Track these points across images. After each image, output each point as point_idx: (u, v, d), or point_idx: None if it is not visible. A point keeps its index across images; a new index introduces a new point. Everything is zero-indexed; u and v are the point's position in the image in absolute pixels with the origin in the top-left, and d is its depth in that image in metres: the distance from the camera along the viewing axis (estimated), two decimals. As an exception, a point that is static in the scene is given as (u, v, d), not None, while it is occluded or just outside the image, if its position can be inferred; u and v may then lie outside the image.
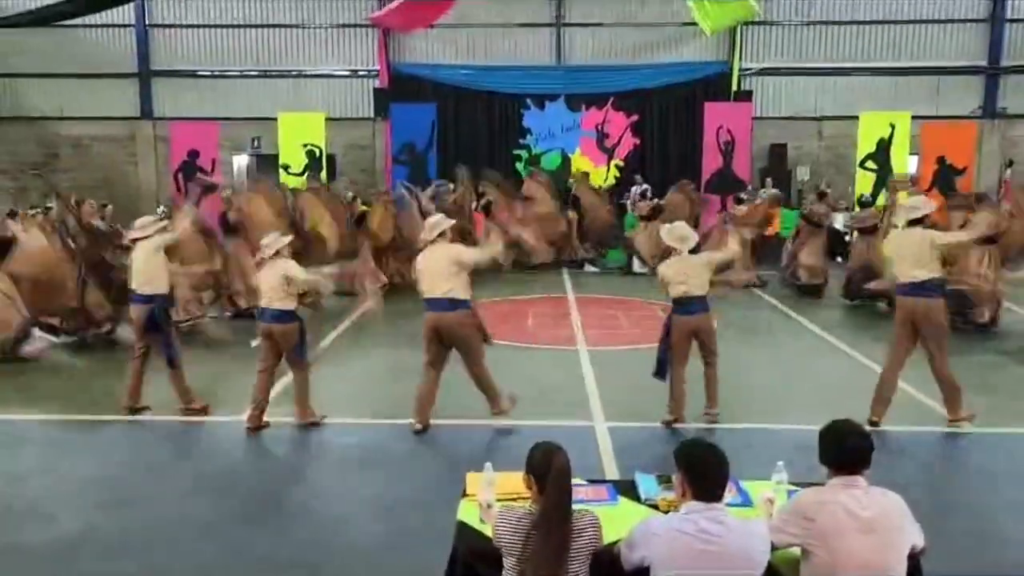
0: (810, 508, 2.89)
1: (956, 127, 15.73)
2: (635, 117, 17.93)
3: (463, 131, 18.11)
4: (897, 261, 6.17)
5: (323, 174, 16.03)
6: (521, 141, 18.21)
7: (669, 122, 17.85)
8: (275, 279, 6.11)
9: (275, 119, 16.35)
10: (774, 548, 2.88)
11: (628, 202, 15.65)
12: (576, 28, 18.11)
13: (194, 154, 16.05)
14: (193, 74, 18.48)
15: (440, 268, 6.02)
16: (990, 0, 17.32)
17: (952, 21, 17.40)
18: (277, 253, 6.18)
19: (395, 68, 18.18)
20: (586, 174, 16.24)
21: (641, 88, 17.79)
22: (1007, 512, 5.00)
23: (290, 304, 6.16)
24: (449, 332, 6.04)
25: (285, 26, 18.27)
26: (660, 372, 6.29)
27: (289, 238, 6.48)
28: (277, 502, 5.09)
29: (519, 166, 17.94)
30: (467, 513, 3.33)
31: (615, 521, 3.14)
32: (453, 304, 5.99)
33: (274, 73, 18.39)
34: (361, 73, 18.38)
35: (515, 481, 3.08)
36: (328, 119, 16.52)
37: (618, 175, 17.67)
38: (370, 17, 16.79)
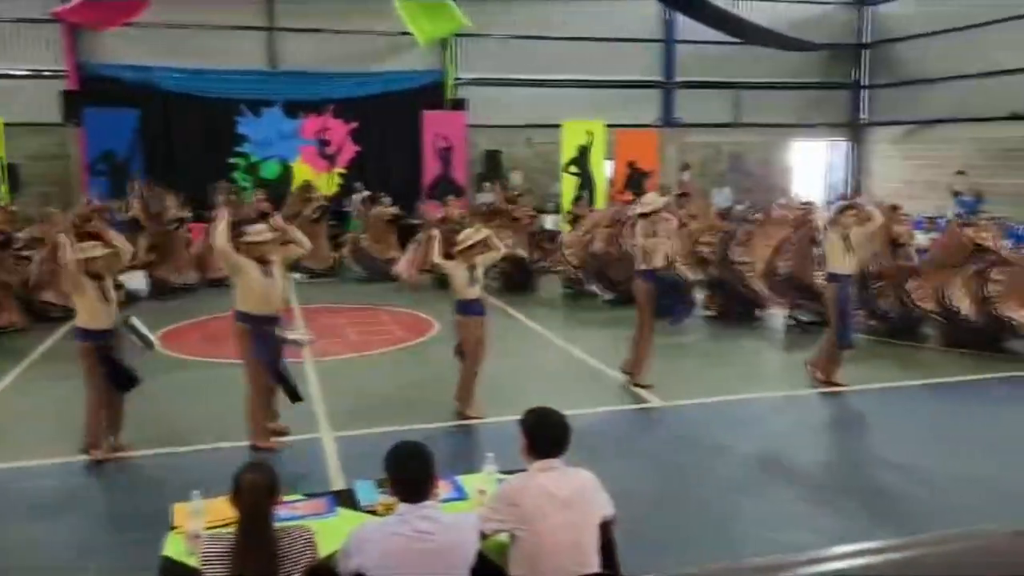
0: (514, 494, 3.05)
1: (642, 134, 17.56)
2: (354, 124, 17.86)
3: (173, 138, 16.90)
4: None
5: (2, 188, 14.17)
6: (237, 149, 17.37)
7: (388, 129, 18.02)
8: None
9: (-62, 125, 14.14)
10: (484, 536, 3.00)
11: (351, 208, 15.68)
12: (290, 33, 17.63)
13: None
14: None
15: None
16: (664, 23, 19.59)
17: (636, 40, 19.36)
18: None
19: (88, 69, 16.48)
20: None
21: (360, 96, 17.77)
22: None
23: None
24: None
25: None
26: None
27: None
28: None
29: (237, 175, 17.15)
30: (173, 547, 3.16)
31: (334, 533, 3.09)
32: None
33: (-65, 73, 15.88)
34: (46, 74, 16.45)
35: (226, 507, 2.95)
36: (7, 124, 14.61)
37: (340, 182, 17.54)
38: (53, 12, 15.07)
